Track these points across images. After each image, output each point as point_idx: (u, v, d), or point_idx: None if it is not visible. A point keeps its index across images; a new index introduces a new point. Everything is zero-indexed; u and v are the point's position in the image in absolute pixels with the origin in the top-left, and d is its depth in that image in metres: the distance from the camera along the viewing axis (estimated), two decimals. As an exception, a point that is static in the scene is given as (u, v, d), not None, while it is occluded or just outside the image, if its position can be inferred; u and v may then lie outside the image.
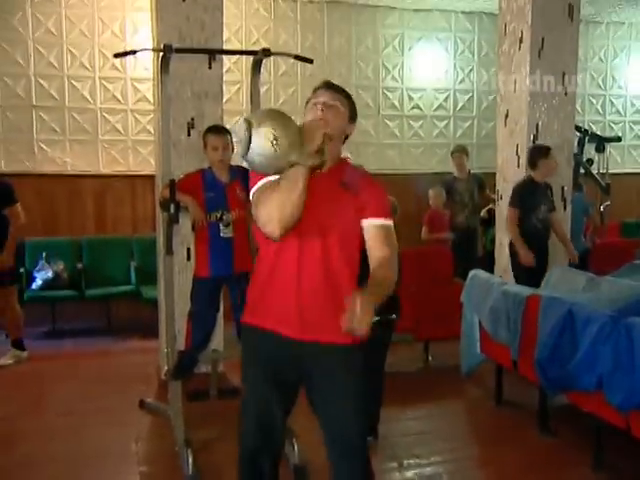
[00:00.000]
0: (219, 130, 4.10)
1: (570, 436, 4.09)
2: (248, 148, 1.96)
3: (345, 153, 2.37)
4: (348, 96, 2.33)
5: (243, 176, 4.09)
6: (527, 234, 5.16)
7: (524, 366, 4.08)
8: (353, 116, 2.33)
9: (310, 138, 2.03)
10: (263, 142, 1.93)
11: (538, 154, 5.27)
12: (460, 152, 7.08)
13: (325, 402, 2.32)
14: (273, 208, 2.08)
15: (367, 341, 2.18)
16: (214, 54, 4.94)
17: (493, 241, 6.44)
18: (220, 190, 4.01)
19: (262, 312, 2.30)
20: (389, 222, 2.29)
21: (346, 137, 2.35)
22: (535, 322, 3.88)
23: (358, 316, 1.92)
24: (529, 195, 5.20)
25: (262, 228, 2.14)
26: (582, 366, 3.44)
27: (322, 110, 2.21)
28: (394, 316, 3.95)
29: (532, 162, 5.29)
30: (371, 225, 2.26)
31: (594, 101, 9.02)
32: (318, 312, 2.24)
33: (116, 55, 4.17)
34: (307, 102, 2.32)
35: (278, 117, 1.99)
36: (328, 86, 2.31)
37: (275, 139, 1.93)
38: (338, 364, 2.29)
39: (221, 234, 3.97)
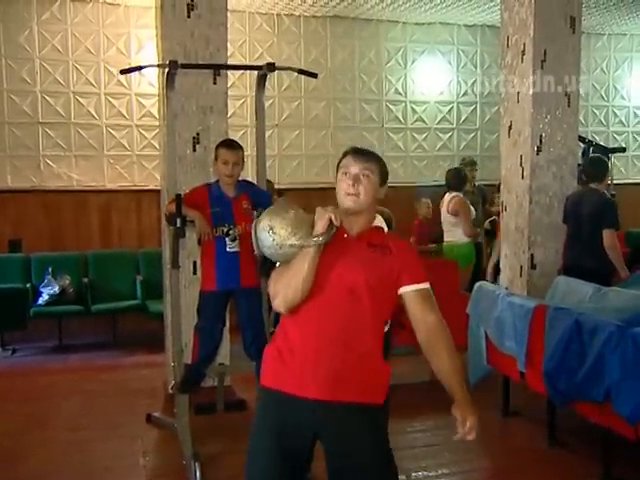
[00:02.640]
0: (232, 145, 4.11)
1: (579, 447, 4.07)
2: (257, 245, 2.16)
3: (379, 222, 2.35)
4: (378, 160, 2.28)
5: (250, 190, 4.13)
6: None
7: (531, 377, 4.07)
8: (384, 180, 2.28)
9: (316, 222, 2.10)
10: (263, 235, 2.13)
11: (605, 167, 5.29)
12: (468, 166, 7.12)
13: (346, 468, 2.18)
14: (280, 286, 2.15)
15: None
16: (219, 69, 4.98)
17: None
18: (226, 204, 4.03)
19: (282, 375, 2.19)
20: (427, 285, 2.23)
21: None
22: (542, 333, 3.87)
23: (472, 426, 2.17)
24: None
25: (272, 301, 2.20)
26: (590, 377, 3.43)
27: (353, 185, 2.19)
28: (387, 328, 3.93)
29: (600, 175, 5.26)
30: (410, 292, 2.20)
31: (597, 112, 9.05)
32: (342, 372, 2.14)
33: (122, 71, 4.21)
34: (337, 166, 2.28)
35: (277, 209, 2.21)
36: (357, 153, 2.25)
37: (271, 229, 2.11)
38: (361, 423, 2.18)
39: (227, 248, 3.98)
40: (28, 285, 6.66)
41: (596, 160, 5.41)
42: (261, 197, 4.13)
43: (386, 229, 2.36)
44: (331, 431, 2.17)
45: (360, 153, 2.26)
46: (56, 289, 6.60)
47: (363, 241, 2.22)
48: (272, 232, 2.10)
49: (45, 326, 6.65)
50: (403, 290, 2.20)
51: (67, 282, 6.68)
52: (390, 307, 2.26)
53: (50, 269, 6.70)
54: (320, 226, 2.08)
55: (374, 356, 2.22)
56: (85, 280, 6.86)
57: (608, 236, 5.04)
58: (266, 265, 2.19)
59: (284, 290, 2.13)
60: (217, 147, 4.12)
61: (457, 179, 6.46)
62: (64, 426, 4.52)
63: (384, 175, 2.28)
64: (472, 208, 6.47)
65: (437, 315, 2.20)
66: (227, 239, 3.96)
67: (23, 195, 6.94)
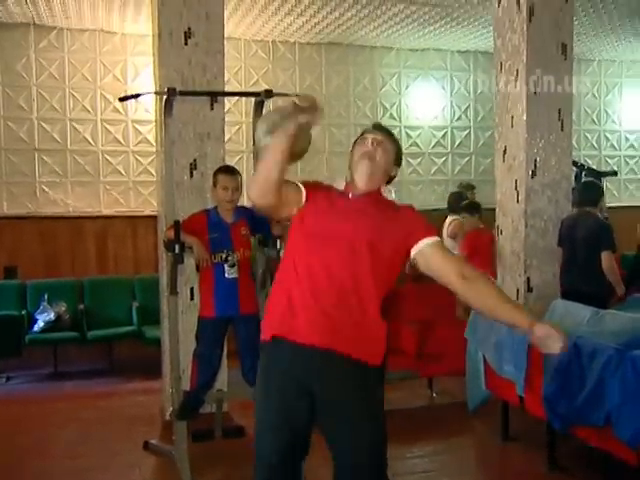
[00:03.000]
0: (231, 171, 4.15)
1: (578, 472, 4.05)
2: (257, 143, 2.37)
3: (387, 192, 2.40)
4: (395, 140, 2.42)
5: (248, 216, 4.14)
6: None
7: (531, 401, 4.06)
8: (398, 159, 2.41)
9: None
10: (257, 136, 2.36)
11: (598, 191, 5.39)
12: (467, 189, 7.17)
13: (340, 423, 2.23)
14: (254, 176, 2.25)
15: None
16: (217, 96, 5.03)
17: None
18: (225, 230, 4.04)
19: (284, 323, 2.25)
20: (439, 238, 2.31)
21: (390, 179, 2.41)
22: (540, 357, 3.87)
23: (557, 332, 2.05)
24: None
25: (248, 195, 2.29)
26: (590, 401, 3.43)
27: (372, 144, 2.31)
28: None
29: (593, 199, 5.33)
30: (428, 245, 2.23)
31: (589, 136, 9.15)
32: (344, 325, 2.20)
33: (121, 99, 4.26)
34: (354, 142, 2.40)
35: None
36: (377, 127, 2.41)
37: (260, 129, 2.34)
38: (357, 381, 2.23)
39: (226, 275, 3.98)
40: (23, 312, 6.63)
41: (589, 184, 5.47)
42: (259, 223, 4.14)
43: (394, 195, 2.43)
44: (324, 378, 2.22)
45: (380, 127, 2.41)
46: (52, 316, 6.57)
47: (369, 198, 2.30)
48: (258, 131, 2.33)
49: (40, 353, 6.61)
50: (419, 246, 2.23)
51: (63, 309, 6.65)
52: (394, 270, 2.29)
53: (46, 296, 6.67)
54: (288, 110, 2.19)
55: (373, 313, 2.25)
56: (81, 307, 6.83)
57: (606, 258, 5.08)
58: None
59: (256, 175, 2.21)
60: (216, 173, 4.14)
61: (458, 202, 6.51)
62: (61, 455, 4.47)
63: (398, 156, 2.41)
64: None
65: (464, 261, 2.26)
66: (226, 265, 3.97)
67: (19, 221, 6.94)
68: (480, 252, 6.03)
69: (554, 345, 2.06)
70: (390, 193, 2.42)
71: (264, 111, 4.57)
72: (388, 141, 2.36)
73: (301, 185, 2.35)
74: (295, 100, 2.16)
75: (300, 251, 2.27)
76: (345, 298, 2.20)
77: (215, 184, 4.09)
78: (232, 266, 3.98)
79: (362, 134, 2.40)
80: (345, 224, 2.24)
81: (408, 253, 2.26)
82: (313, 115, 2.18)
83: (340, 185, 2.42)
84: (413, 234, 2.24)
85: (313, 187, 2.37)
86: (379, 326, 2.27)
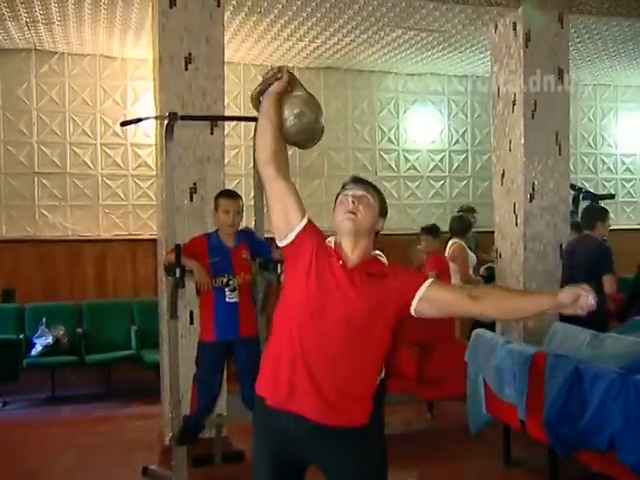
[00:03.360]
0: (232, 195, 4.17)
1: (582, 497, 4.03)
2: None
3: (376, 252, 2.31)
4: (377, 190, 2.32)
5: (249, 240, 4.15)
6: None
7: (532, 425, 4.04)
8: (383, 211, 2.31)
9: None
10: None
11: (595, 214, 5.40)
12: (468, 212, 7.18)
13: None
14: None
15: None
16: (218, 121, 5.06)
17: None
18: (225, 255, 4.05)
19: (277, 390, 2.22)
20: (435, 280, 2.27)
21: (377, 233, 2.31)
22: (542, 380, 3.87)
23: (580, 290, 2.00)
24: None
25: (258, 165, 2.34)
26: (592, 425, 3.42)
27: (353, 202, 2.22)
28: (383, 375, 3.92)
29: (591, 222, 5.32)
30: (427, 289, 2.17)
31: (586, 159, 9.20)
32: (339, 397, 2.17)
33: (123, 124, 4.29)
34: (336, 197, 2.31)
35: None
36: (356, 181, 2.30)
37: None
38: (354, 449, 2.20)
39: (227, 299, 3.98)
40: (21, 336, 6.60)
41: (588, 208, 5.50)
42: (260, 247, 4.16)
43: (385, 260, 2.30)
44: (320, 450, 2.20)
45: (361, 181, 2.31)
46: (50, 340, 6.53)
47: (361, 271, 2.21)
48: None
49: (38, 377, 6.56)
50: (419, 296, 2.16)
51: (61, 332, 6.61)
52: (387, 336, 2.23)
53: (44, 319, 6.64)
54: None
55: (364, 392, 2.23)
56: (79, 330, 6.79)
57: (610, 282, 5.07)
58: None
59: (257, 139, 2.32)
60: (217, 197, 4.16)
61: (460, 225, 6.50)
62: (58, 481, 4.44)
63: (383, 206, 2.31)
64: (472, 254, 6.48)
65: (462, 284, 2.24)
66: (226, 290, 3.97)
67: (17, 245, 6.94)
68: (444, 276, 5.98)
69: (585, 301, 2.01)
70: (381, 258, 2.32)
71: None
72: (369, 194, 2.26)
73: (305, 214, 2.26)
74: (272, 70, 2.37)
75: (298, 316, 2.20)
76: (342, 368, 2.16)
77: (216, 208, 4.10)
78: (233, 290, 3.98)
79: (343, 187, 2.31)
80: (345, 299, 2.17)
81: (407, 311, 2.20)
82: (284, 78, 2.34)
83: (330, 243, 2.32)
84: (408, 292, 2.18)
85: (312, 226, 2.28)
86: (369, 394, 2.25)
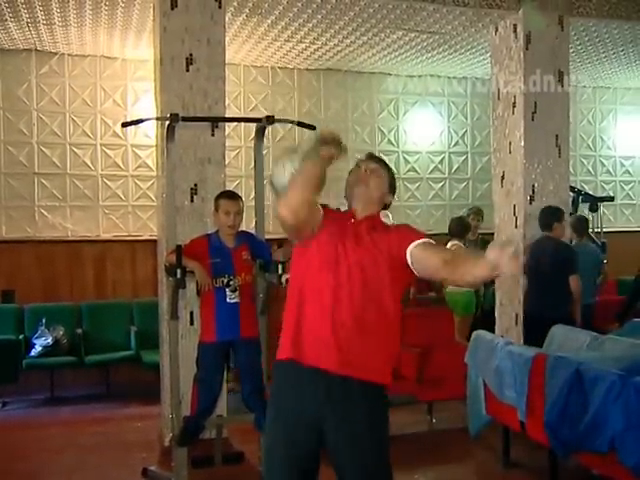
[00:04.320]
0: (233, 196, 4.17)
1: (581, 499, 4.04)
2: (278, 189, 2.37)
3: (384, 217, 2.49)
4: (388, 168, 2.55)
5: (249, 241, 4.15)
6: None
7: (532, 427, 4.04)
8: (392, 187, 2.53)
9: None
10: (278, 171, 2.38)
11: (554, 215, 5.36)
12: (475, 214, 7.15)
13: (346, 450, 2.27)
14: (290, 193, 2.27)
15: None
16: (219, 122, 5.06)
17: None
18: (226, 255, 4.04)
19: (298, 347, 2.30)
20: (429, 240, 2.37)
21: (385, 206, 2.52)
22: (542, 382, 3.87)
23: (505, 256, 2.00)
24: None
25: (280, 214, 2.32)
26: (593, 427, 3.42)
27: (366, 171, 2.44)
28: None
29: (549, 223, 5.32)
30: (416, 246, 2.30)
31: (585, 162, 9.22)
32: (354, 349, 2.26)
33: (124, 125, 4.28)
34: (349, 172, 2.51)
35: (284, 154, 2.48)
36: (371, 157, 2.53)
37: (283, 164, 2.37)
38: (366, 407, 2.28)
39: (228, 299, 3.98)
40: (21, 336, 6.59)
41: (545, 210, 5.42)
42: (260, 248, 4.16)
43: (391, 219, 2.50)
44: (334, 404, 2.25)
45: (373, 156, 2.54)
46: (49, 340, 6.53)
47: (367, 223, 2.40)
48: (285, 165, 2.35)
49: (37, 378, 6.56)
50: (410, 249, 2.30)
51: (60, 333, 6.61)
52: (402, 282, 2.37)
53: (43, 320, 6.63)
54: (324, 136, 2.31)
55: (388, 332, 2.33)
56: (79, 331, 6.79)
57: (575, 281, 5.13)
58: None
59: (291, 196, 2.24)
60: (217, 198, 4.15)
61: (458, 227, 6.51)
62: (57, 482, 4.43)
63: (392, 183, 2.54)
64: None
65: (449, 250, 2.34)
66: (227, 290, 3.96)
67: (17, 245, 6.93)
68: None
69: (505, 264, 1.99)
70: (387, 218, 2.50)
71: (265, 137, 4.63)
72: (381, 169, 2.50)
73: (320, 207, 2.42)
74: (322, 132, 2.31)
75: (307, 275, 2.35)
76: (358, 320, 2.27)
77: (217, 209, 4.10)
78: (234, 291, 3.97)
79: (356, 164, 2.51)
80: (351, 248, 2.33)
81: (407, 263, 2.32)
82: (337, 149, 2.30)
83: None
84: (402, 244, 2.33)
85: (328, 212, 2.45)
86: (392, 342, 2.36)
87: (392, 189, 2.53)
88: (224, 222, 4.05)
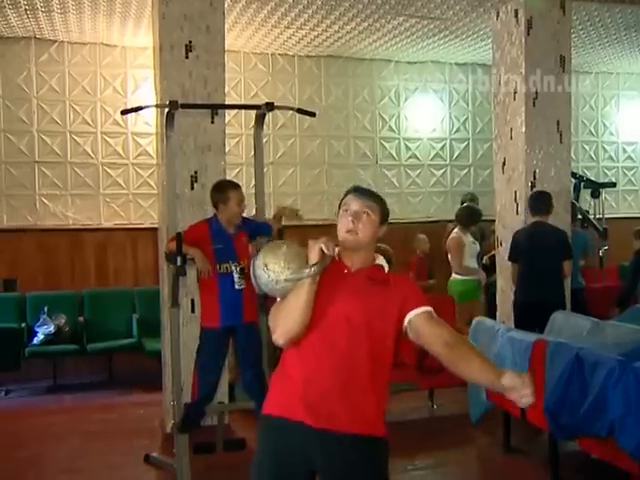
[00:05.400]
0: (237, 185, 4.19)
1: (582, 483, 4.05)
2: (257, 284, 2.22)
3: (380, 261, 2.34)
4: (379, 199, 2.34)
5: (247, 226, 4.17)
6: None
7: (532, 413, 4.05)
8: (384, 219, 2.33)
9: (309, 253, 2.14)
10: (259, 272, 2.19)
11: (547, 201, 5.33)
12: (472, 201, 7.13)
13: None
14: (279, 319, 2.19)
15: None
16: (218, 109, 5.05)
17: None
18: (228, 241, 4.06)
19: (287, 403, 2.22)
20: (431, 309, 2.25)
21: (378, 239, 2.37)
22: (542, 368, 3.87)
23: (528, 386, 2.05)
24: None
25: (272, 334, 2.23)
26: (593, 412, 3.43)
27: (353, 222, 2.24)
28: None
29: (547, 209, 5.31)
30: (417, 315, 2.20)
31: (587, 147, 9.18)
32: (342, 403, 2.17)
33: (123, 112, 4.28)
34: (339, 205, 2.33)
35: (270, 247, 2.28)
36: (358, 191, 2.32)
37: (265, 266, 2.16)
38: (360, 457, 2.20)
39: (236, 286, 3.99)
40: (23, 325, 6.62)
41: (537, 195, 5.39)
42: (259, 227, 4.21)
43: (387, 268, 2.34)
44: (327, 460, 2.19)
45: (361, 192, 2.31)
46: (51, 328, 6.55)
47: (363, 275, 2.26)
48: (267, 269, 2.15)
49: (39, 366, 6.59)
50: (409, 317, 2.21)
51: (63, 321, 6.63)
52: (391, 345, 2.25)
53: (45, 308, 6.65)
54: (312, 257, 2.12)
55: (372, 391, 2.21)
56: (81, 319, 6.81)
57: (569, 266, 5.16)
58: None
59: (283, 322, 2.17)
60: (224, 190, 4.12)
61: (467, 216, 6.34)
62: (60, 469, 4.44)
63: (385, 214, 2.33)
64: (475, 245, 6.40)
65: (450, 327, 2.22)
66: (237, 276, 3.97)
67: (18, 234, 6.94)
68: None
69: (520, 397, 2.06)
70: (383, 263, 2.34)
71: (264, 124, 4.61)
72: (370, 209, 2.28)
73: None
74: (322, 246, 2.11)
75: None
76: (349, 376, 2.18)
77: (226, 201, 4.07)
78: (242, 277, 3.97)
79: (345, 196, 2.32)
80: (344, 304, 2.21)
81: (402, 324, 2.23)
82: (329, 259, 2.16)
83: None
84: (404, 306, 2.22)
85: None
86: (379, 400, 2.25)
87: (384, 221, 2.33)
88: (237, 212, 4.07)
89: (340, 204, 2.33)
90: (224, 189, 4.14)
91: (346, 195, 2.33)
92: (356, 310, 2.19)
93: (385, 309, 2.21)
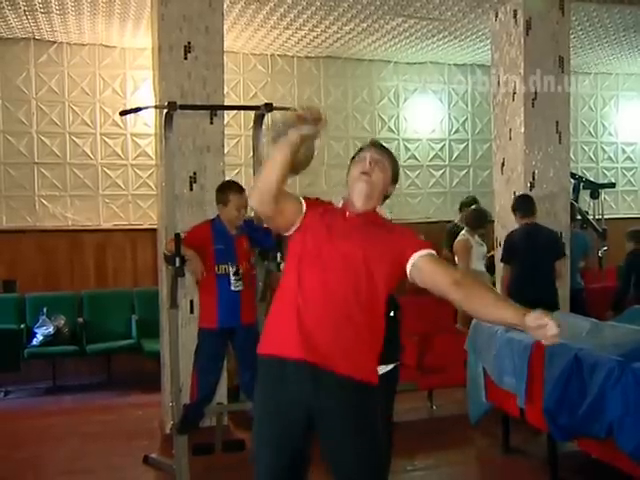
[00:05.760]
0: (241, 189, 4.15)
1: (581, 484, 4.05)
2: None
3: (383, 211, 2.41)
4: (392, 157, 2.42)
5: (249, 230, 4.16)
6: None
7: (531, 413, 4.06)
8: (395, 177, 2.41)
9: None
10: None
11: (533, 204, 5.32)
12: (473, 204, 7.10)
13: (337, 444, 2.23)
14: (254, 185, 2.26)
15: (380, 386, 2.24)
16: (217, 110, 5.05)
17: None
18: (230, 242, 4.07)
19: (283, 341, 2.24)
20: (434, 252, 2.28)
21: (386, 197, 2.41)
22: (541, 368, 3.87)
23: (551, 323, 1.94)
24: None
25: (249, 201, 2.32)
26: (591, 412, 3.43)
27: (370, 163, 2.31)
28: (399, 362, 3.94)
29: (533, 210, 5.30)
30: (422, 257, 2.22)
31: (586, 148, 9.18)
32: (340, 343, 2.20)
33: (122, 113, 4.28)
34: (352, 158, 2.40)
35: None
36: (375, 145, 2.41)
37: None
38: (353, 401, 2.22)
39: (232, 287, 3.99)
40: (22, 326, 6.61)
41: (524, 198, 5.39)
42: (261, 235, 4.18)
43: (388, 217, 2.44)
44: (322, 399, 2.19)
45: (380, 146, 2.41)
46: (51, 329, 6.55)
47: (364, 218, 2.32)
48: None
49: (39, 367, 6.58)
50: (413, 259, 2.22)
51: (62, 322, 6.63)
52: (390, 284, 2.29)
53: (45, 309, 6.65)
54: (290, 119, 2.15)
55: (372, 330, 2.26)
56: (80, 320, 6.81)
57: (563, 266, 5.18)
58: None
59: (256, 184, 2.23)
60: (226, 192, 4.11)
61: (476, 219, 6.24)
62: (59, 470, 4.44)
63: (395, 173, 2.42)
64: (483, 246, 6.34)
65: (454, 267, 2.25)
66: (233, 278, 3.98)
67: (18, 235, 6.94)
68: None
69: (547, 335, 1.96)
70: (385, 213, 2.44)
71: (264, 125, 4.61)
72: (386, 159, 2.36)
73: (302, 199, 2.36)
74: (299, 110, 2.14)
75: (299, 270, 2.26)
76: (343, 315, 2.20)
77: (226, 203, 4.07)
78: (239, 279, 3.98)
79: (360, 150, 2.40)
80: (342, 243, 2.25)
81: (404, 269, 2.25)
82: (316, 126, 2.16)
83: (338, 203, 2.44)
84: (406, 250, 2.24)
85: (313, 203, 2.38)
86: (372, 346, 2.28)
87: (395, 179, 2.41)
88: (234, 216, 4.07)
89: (353, 158, 2.40)
90: (226, 191, 4.14)
91: (360, 150, 2.40)
92: (353, 249, 2.23)
93: (384, 251, 2.25)
